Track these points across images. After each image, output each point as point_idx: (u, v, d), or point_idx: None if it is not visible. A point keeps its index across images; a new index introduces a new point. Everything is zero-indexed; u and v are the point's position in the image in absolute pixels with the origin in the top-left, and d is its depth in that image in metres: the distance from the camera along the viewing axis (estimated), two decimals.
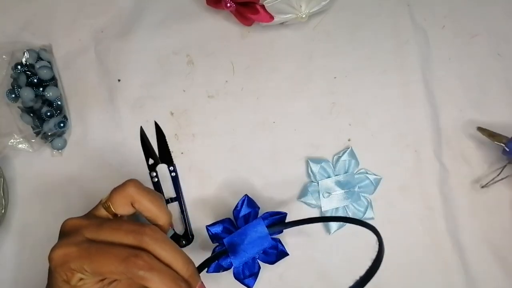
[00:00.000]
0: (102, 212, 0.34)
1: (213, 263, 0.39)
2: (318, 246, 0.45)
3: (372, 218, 0.45)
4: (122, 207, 0.33)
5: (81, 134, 0.47)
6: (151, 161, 0.46)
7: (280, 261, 0.41)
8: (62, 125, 0.45)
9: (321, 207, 0.44)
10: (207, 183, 0.46)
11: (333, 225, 0.44)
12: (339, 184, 0.45)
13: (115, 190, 0.33)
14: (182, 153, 0.46)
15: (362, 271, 0.44)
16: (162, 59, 0.48)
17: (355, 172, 0.45)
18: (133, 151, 0.46)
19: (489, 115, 0.47)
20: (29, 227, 0.45)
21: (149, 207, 0.33)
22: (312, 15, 0.46)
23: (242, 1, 0.44)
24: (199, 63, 0.48)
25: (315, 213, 0.45)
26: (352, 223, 0.37)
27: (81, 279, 0.30)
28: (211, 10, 0.49)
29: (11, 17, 0.49)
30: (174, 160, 0.46)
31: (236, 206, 0.41)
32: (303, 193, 0.45)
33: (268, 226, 0.39)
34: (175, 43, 0.49)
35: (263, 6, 0.43)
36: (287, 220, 0.41)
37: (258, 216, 0.41)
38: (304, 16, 0.44)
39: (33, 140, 0.46)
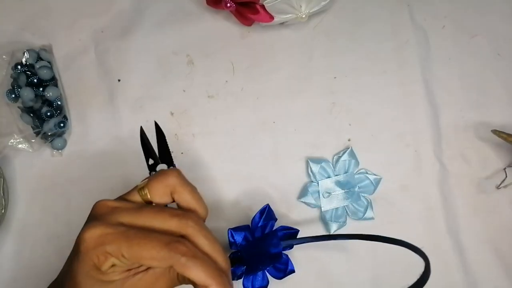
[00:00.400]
0: (136, 198, 0.32)
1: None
2: (318, 246, 0.44)
3: (372, 218, 0.45)
4: (160, 196, 0.31)
5: (81, 134, 0.47)
6: (151, 161, 0.46)
7: None
8: (62, 125, 0.45)
9: (321, 207, 0.44)
10: (207, 183, 0.46)
11: (333, 225, 0.44)
12: (339, 184, 0.45)
13: (156, 178, 0.31)
14: (182, 153, 0.46)
15: (362, 271, 0.44)
16: (162, 59, 0.48)
17: (355, 172, 0.45)
18: (133, 151, 0.46)
19: (489, 115, 0.47)
20: (29, 227, 0.45)
21: (188, 199, 0.32)
22: (312, 15, 0.46)
23: (242, 1, 0.44)
24: (199, 63, 0.48)
25: (315, 213, 0.45)
26: (390, 243, 0.35)
27: (113, 265, 0.28)
28: (211, 10, 0.49)
29: (11, 17, 0.49)
30: (174, 160, 0.46)
31: (255, 216, 0.40)
32: (303, 193, 0.45)
33: (281, 239, 0.39)
34: (175, 43, 0.49)
35: (263, 6, 0.43)
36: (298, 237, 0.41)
37: (274, 228, 0.41)
38: (304, 16, 0.44)
39: (33, 140, 0.46)
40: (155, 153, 0.46)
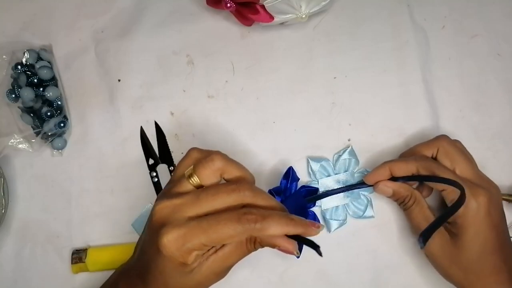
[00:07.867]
0: (188, 187, 0.33)
1: None
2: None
3: (372, 217, 0.45)
4: (210, 180, 0.33)
5: (81, 134, 0.47)
6: (151, 161, 0.46)
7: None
8: (62, 125, 0.45)
9: (321, 206, 0.44)
10: None
11: (333, 224, 0.44)
12: (339, 182, 0.45)
13: (202, 164, 0.33)
14: (182, 153, 0.46)
15: (362, 270, 0.44)
16: (162, 59, 0.48)
17: (355, 171, 0.45)
18: (133, 151, 0.46)
19: (489, 115, 0.47)
20: (29, 227, 0.45)
21: (236, 174, 0.34)
22: (312, 15, 0.46)
23: (242, 1, 0.44)
24: (199, 63, 0.48)
25: (315, 212, 0.45)
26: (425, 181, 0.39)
27: (196, 255, 0.31)
28: (211, 10, 0.49)
29: (11, 17, 0.49)
30: (174, 160, 0.46)
31: (281, 181, 0.43)
32: None
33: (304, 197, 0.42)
34: (175, 43, 0.49)
35: (263, 6, 0.43)
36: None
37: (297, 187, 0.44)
38: (304, 16, 0.44)
39: (33, 140, 0.46)
40: (155, 153, 0.46)
